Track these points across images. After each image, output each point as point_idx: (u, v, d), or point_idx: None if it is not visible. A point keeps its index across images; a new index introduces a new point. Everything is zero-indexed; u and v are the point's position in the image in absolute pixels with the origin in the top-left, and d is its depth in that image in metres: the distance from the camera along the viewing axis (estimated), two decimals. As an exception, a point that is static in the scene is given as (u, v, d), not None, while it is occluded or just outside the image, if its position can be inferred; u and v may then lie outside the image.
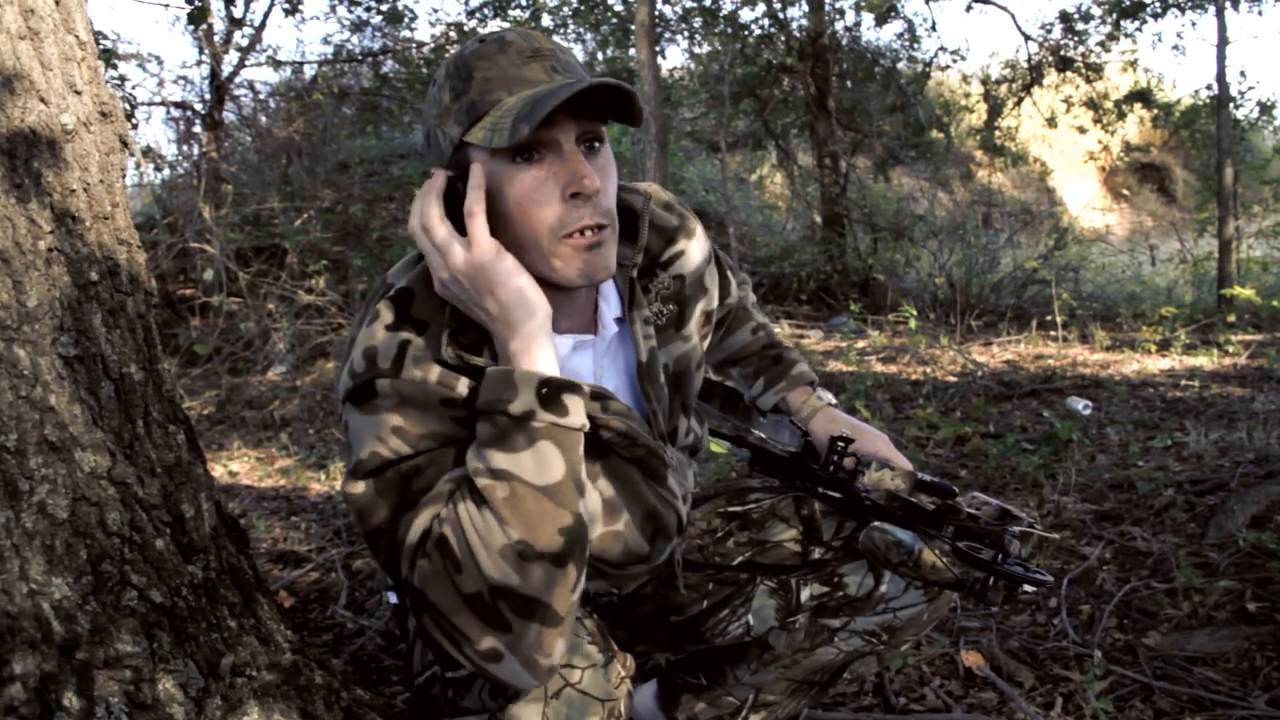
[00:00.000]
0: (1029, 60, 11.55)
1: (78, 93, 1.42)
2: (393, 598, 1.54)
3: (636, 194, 1.46)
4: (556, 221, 1.22)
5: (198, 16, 7.99)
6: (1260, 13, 11.20)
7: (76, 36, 1.43)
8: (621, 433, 1.30)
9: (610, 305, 1.42)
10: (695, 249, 1.53)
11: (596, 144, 1.26)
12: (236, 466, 4.69)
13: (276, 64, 10.17)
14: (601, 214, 1.24)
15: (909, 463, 1.66)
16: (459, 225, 1.22)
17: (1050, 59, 11.38)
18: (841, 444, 1.61)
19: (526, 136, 1.14)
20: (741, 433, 1.84)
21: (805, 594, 1.70)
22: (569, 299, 1.33)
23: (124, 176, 1.51)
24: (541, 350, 1.20)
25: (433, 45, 10.52)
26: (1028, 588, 1.40)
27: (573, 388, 1.18)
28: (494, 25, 10.86)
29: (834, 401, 1.80)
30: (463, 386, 1.21)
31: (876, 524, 1.49)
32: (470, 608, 1.10)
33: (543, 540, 1.11)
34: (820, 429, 1.74)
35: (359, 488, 1.19)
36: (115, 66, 8.12)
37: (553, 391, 1.16)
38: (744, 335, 1.86)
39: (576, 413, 1.17)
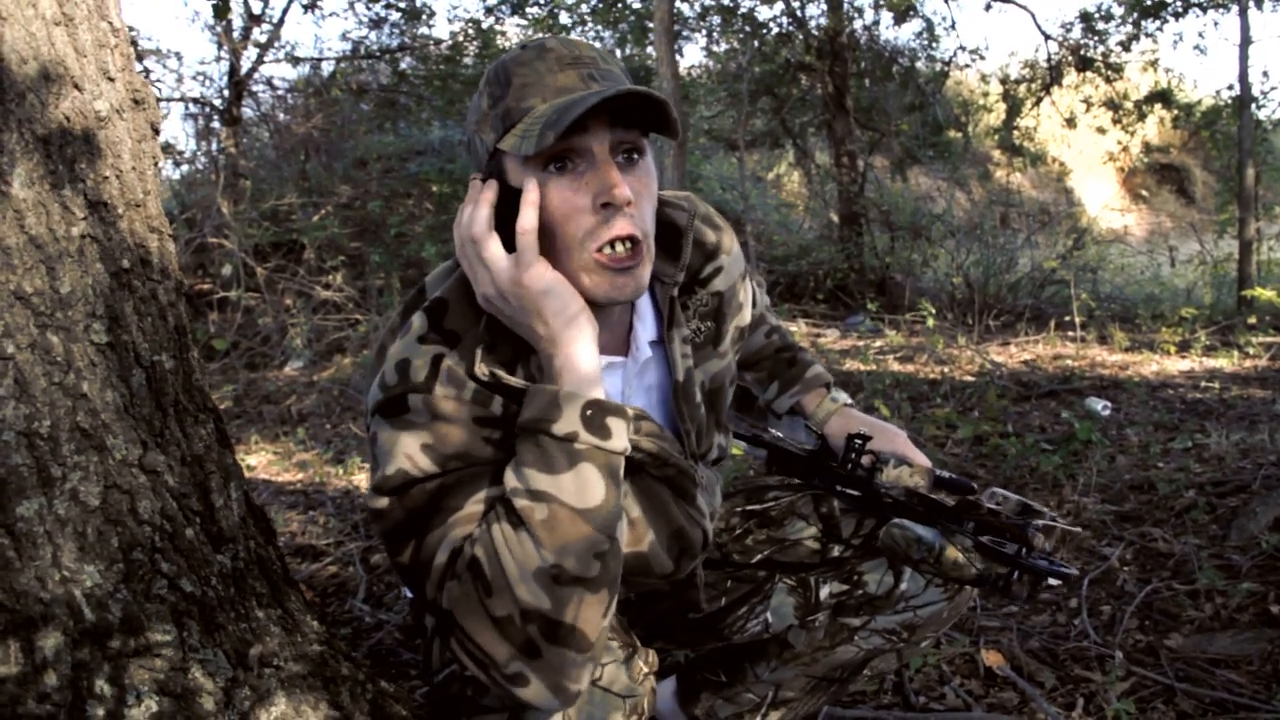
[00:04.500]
0: (1048, 60, 11.50)
1: (111, 79, 1.42)
2: (409, 592, 1.53)
3: (682, 210, 1.42)
4: (585, 233, 1.19)
5: (222, 9, 8.03)
6: (1284, 12, 11.14)
7: (110, 23, 1.44)
8: (653, 453, 1.28)
9: (646, 326, 1.40)
10: (733, 265, 1.52)
11: (635, 156, 1.23)
12: (254, 461, 4.71)
13: (295, 60, 10.21)
14: (635, 227, 1.21)
15: (927, 460, 1.65)
16: (502, 233, 1.22)
17: (1070, 59, 11.33)
18: (859, 441, 1.61)
19: (552, 144, 1.12)
20: (758, 432, 1.83)
21: (824, 592, 1.70)
22: (603, 316, 1.31)
23: (155, 164, 1.52)
24: (588, 372, 1.18)
25: (450, 42, 10.54)
26: (1052, 581, 1.39)
27: (617, 411, 1.17)
28: (512, 23, 10.89)
29: (850, 402, 1.79)
30: (497, 405, 1.20)
31: (897, 521, 1.48)
32: (499, 631, 1.08)
33: (578, 564, 1.10)
34: (837, 430, 1.73)
35: (383, 503, 1.18)
36: (141, 60, 8.17)
37: (597, 414, 1.15)
38: (758, 339, 1.84)
39: (619, 436, 1.16)
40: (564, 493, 1.11)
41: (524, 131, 1.17)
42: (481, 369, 1.19)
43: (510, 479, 1.13)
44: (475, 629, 1.09)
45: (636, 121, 1.21)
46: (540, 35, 1.31)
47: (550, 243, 1.21)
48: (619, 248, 1.21)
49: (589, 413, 1.14)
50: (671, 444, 1.31)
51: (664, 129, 1.21)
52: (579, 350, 1.18)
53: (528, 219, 1.18)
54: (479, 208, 1.21)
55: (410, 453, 1.17)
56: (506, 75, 1.22)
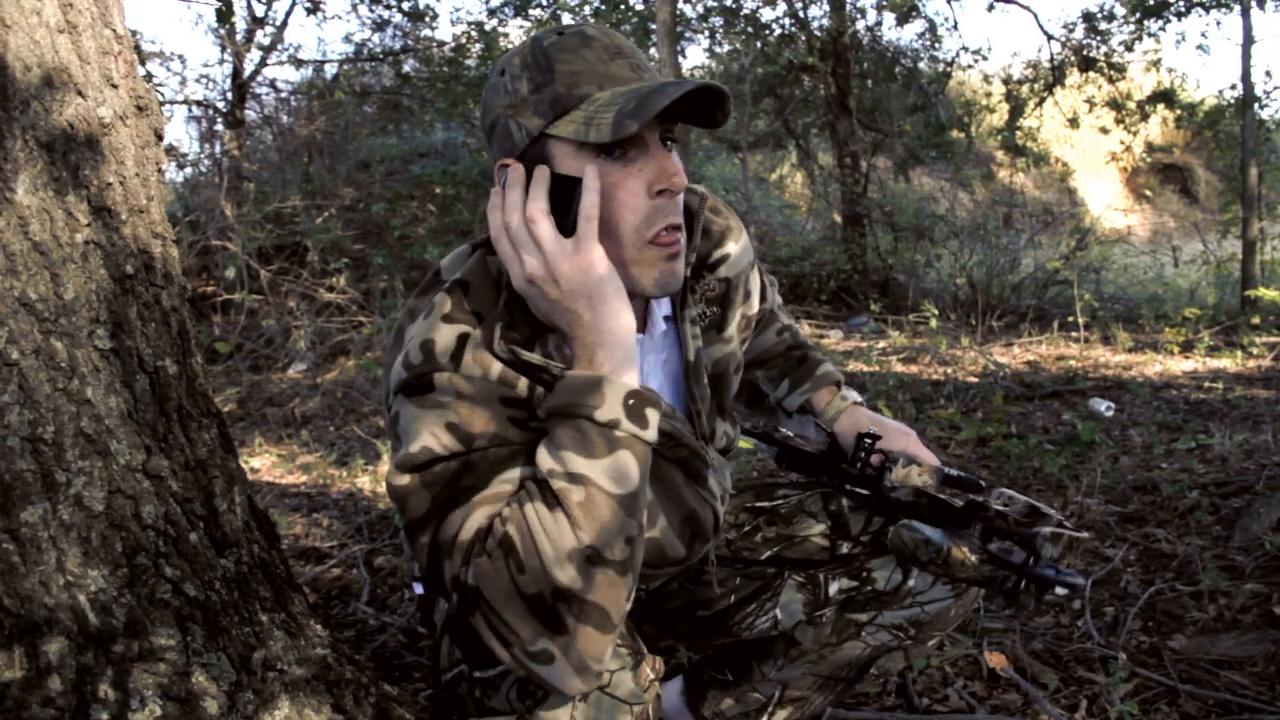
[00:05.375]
0: (1051, 60, 11.49)
1: (114, 86, 1.43)
2: (419, 588, 1.53)
3: (694, 194, 1.45)
4: (642, 221, 1.21)
5: (225, 13, 8.05)
6: (1286, 12, 11.13)
7: (113, 30, 1.44)
8: (666, 433, 1.28)
9: (660, 304, 1.42)
10: (740, 253, 1.54)
11: (671, 144, 1.25)
12: (258, 463, 4.71)
13: (298, 63, 10.23)
14: (679, 214, 1.23)
15: (936, 459, 1.66)
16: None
17: (1073, 59, 11.32)
18: (868, 440, 1.61)
19: (635, 132, 1.14)
20: (769, 429, 1.84)
21: (833, 588, 1.70)
22: None
23: (159, 169, 1.52)
24: (629, 361, 1.19)
25: (454, 44, 10.55)
26: (1059, 590, 1.39)
27: (655, 402, 1.18)
28: (514, 25, 10.88)
29: (859, 400, 1.79)
30: (523, 386, 1.21)
31: (905, 522, 1.49)
32: (529, 607, 1.08)
33: (610, 547, 1.10)
34: (846, 428, 1.74)
35: (404, 480, 1.18)
36: (144, 63, 8.19)
37: (639, 404, 1.15)
38: (769, 337, 1.85)
39: (654, 427, 1.17)
40: (601, 478, 1.12)
41: (587, 119, 1.17)
42: (500, 345, 1.19)
43: (546, 460, 1.13)
44: (503, 605, 1.09)
45: (681, 113, 1.23)
46: (574, 22, 1.32)
47: (605, 230, 1.22)
48: (670, 234, 1.23)
49: (631, 402, 1.15)
50: (683, 424, 1.31)
51: (709, 122, 1.24)
52: (624, 337, 1.19)
53: (592, 203, 1.18)
54: (535, 187, 1.20)
55: (435, 430, 1.17)
56: (548, 60, 1.22)
